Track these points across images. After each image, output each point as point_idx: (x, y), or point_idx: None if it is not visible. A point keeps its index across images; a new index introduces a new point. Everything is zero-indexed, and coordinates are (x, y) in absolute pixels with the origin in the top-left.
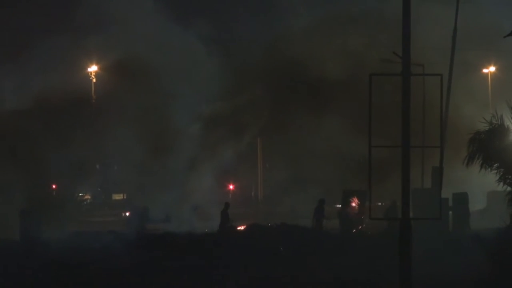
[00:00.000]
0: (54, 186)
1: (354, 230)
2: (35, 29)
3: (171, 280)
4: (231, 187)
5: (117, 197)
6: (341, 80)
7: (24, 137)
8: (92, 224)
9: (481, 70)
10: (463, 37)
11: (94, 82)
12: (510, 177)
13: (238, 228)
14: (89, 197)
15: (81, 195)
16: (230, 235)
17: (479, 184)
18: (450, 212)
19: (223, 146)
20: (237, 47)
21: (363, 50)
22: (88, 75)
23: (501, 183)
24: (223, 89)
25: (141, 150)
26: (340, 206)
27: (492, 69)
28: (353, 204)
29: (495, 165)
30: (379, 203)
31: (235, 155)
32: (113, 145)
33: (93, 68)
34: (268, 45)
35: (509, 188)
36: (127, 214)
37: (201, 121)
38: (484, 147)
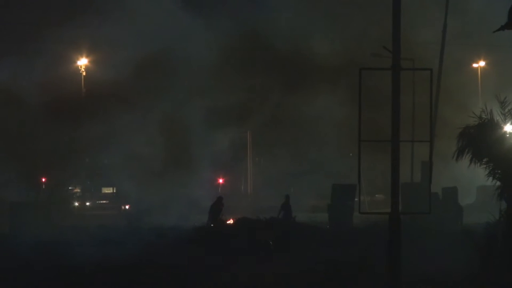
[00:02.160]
0: (43, 179)
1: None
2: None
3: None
4: (220, 180)
5: (107, 190)
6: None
7: (16, 128)
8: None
9: (471, 64)
10: (454, 32)
11: (84, 75)
12: (499, 171)
13: (228, 222)
14: (78, 190)
15: (70, 188)
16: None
17: (469, 178)
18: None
19: (214, 139)
20: (227, 32)
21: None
22: (78, 68)
23: (491, 178)
24: (212, 77)
25: (135, 143)
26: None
27: (482, 63)
28: None
29: (485, 159)
30: None
31: (226, 148)
32: (106, 138)
33: (83, 61)
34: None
35: (498, 183)
36: (127, 207)
37: (192, 114)
38: (474, 142)
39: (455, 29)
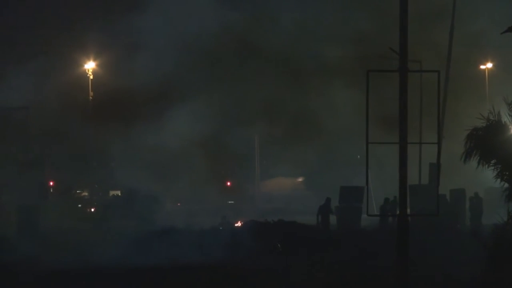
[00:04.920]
0: (51, 183)
1: None
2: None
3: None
4: (228, 183)
5: (114, 193)
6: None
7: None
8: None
9: (479, 66)
10: (462, 34)
11: (91, 79)
12: (507, 173)
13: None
14: (86, 193)
15: (78, 192)
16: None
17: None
18: None
19: (221, 141)
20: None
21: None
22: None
23: (499, 179)
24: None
25: (140, 146)
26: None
27: (489, 65)
28: None
29: (493, 161)
30: None
31: (234, 151)
32: (114, 142)
33: (90, 65)
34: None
35: (506, 185)
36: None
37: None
38: (482, 144)
39: (463, 31)
